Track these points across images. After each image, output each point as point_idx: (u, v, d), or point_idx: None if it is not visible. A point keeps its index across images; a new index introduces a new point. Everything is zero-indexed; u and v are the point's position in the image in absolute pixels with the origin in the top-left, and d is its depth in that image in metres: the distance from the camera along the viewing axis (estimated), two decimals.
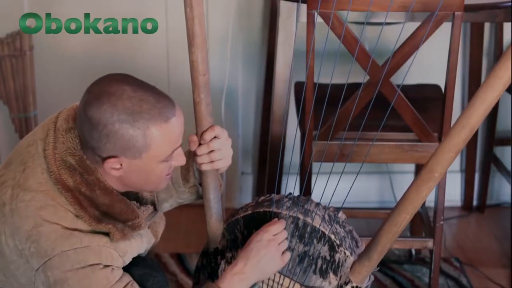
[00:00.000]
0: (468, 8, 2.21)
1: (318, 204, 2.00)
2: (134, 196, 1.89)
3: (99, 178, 1.75)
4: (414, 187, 1.82)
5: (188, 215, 2.06)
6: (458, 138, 1.73)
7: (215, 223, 2.00)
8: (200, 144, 1.84)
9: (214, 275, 2.05)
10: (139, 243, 1.86)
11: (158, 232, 1.99)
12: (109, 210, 1.76)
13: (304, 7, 2.30)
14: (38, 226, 1.71)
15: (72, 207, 1.73)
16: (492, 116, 3.10)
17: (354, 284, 1.94)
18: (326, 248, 1.93)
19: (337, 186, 1.94)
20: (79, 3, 3.00)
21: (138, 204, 1.86)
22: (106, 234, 1.76)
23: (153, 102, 1.70)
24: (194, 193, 2.00)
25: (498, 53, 3.00)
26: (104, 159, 1.72)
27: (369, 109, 2.15)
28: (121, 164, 1.73)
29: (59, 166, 1.74)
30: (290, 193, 2.03)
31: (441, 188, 2.33)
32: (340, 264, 1.93)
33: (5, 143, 3.12)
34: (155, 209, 1.94)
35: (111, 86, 1.70)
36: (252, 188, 3.25)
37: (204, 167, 1.87)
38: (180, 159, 1.79)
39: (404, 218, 1.84)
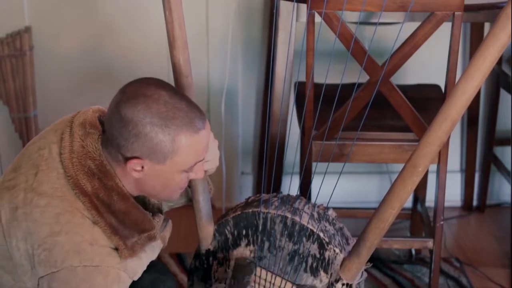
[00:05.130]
0: (468, 8, 2.21)
1: (307, 203, 2.00)
2: (141, 202, 1.88)
3: (117, 184, 1.74)
4: (399, 182, 1.82)
5: (188, 215, 2.06)
6: (440, 131, 1.75)
7: (205, 225, 2.01)
8: None
9: (207, 277, 2.06)
10: (150, 256, 1.84)
11: (166, 237, 1.98)
12: (125, 218, 1.75)
13: (303, 6, 2.30)
14: (55, 235, 1.70)
15: (89, 212, 1.72)
16: (492, 116, 3.10)
17: (345, 281, 1.94)
18: (315, 246, 1.94)
19: (321, 184, 1.94)
20: (79, 2, 3.00)
21: (151, 214, 1.84)
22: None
23: (187, 111, 1.70)
24: (184, 195, 2.00)
25: None
26: (128, 159, 1.71)
27: (369, 109, 2.15)
28: (142, 167, 1.72)
29: (77, 170, 1.73)
30: (280, 192, 2.04)
31: (441, 188, 2.33)
32: (330, 261, 1.94)
33: (5, 143, 3.12)
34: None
35: (148, 89, 1.71)
36: (252, 188, 3.25)
37: None
38: (198, 173, 1.79)
39: (390, 213, 1.85)
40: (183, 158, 1.71)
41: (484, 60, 1.67)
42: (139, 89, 1.71)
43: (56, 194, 1.72)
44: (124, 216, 1.75)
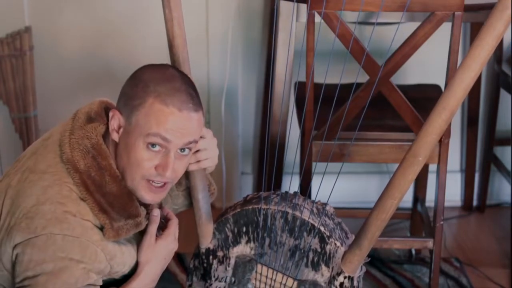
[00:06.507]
0: (468, 8, 2.21)
1: (305, 199, 2.00)
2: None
3: (111, 164, 1.75)
4: (400, 172, 1.83)
5: (188, 215, 2.06)
6: (439, 120, 1.76)
7: (205, 223, 2.01)
8: None
9: (207, 276, 2.06)
10: (132, 253, 1.84)
11: None
12: (115, 201, 1.75)
13: (303, 7, 2.30)
14: (40, 204, 1.70)
15: (77, 188, 1.72)
16: (492, 116, 3.10)
17: (346, 274, 1.94)
18: (316, 240, 1.94)
19: (318, 185, 1.94)
20: (79, 2, 3.00)
21: (138, 203, 1.85)
22: (101, 231, 1.74)
23: (178, 89, 1.73)
24: (188, 196, 2.00)
25: (498, 53, 3.00)
26: (115, 109, 1.76)
27: (369, 109, 2.15)
28: (119, 127, 1.75)
29: (72, 148, 1.75)
30: (278, 190, 2.04)
31: (441, 188, 2.33)
32: (331, 255, 1.94)
33: (5, 143, 3.12)
34: None
35: (169, 67, 1.80)
36: (252, 188, 3.25)
37: (191, 167, 1.88)
38: (164, 163, 1.74)
39: (391, 204, 1.85)
40: (145, 120, 1.71)
41: (481, 49, 1.69)
42: (164, 64, 1.79)
43: (49, 170, 1.74)
44: (114, 198, 1.75)
